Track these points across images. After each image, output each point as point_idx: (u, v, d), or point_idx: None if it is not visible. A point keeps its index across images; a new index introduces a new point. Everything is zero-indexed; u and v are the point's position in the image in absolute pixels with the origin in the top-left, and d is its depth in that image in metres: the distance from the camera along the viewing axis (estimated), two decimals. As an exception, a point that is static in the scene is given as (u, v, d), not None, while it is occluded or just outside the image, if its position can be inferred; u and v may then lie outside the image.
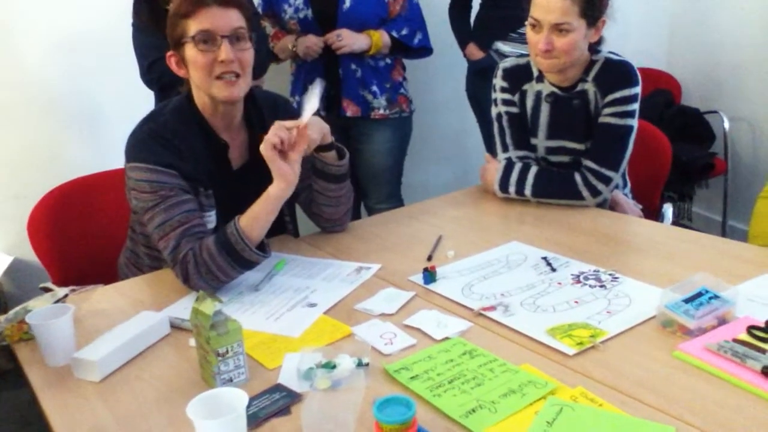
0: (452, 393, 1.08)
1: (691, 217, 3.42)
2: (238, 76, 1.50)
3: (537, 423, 0.99)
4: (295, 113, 1.66)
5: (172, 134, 1.52)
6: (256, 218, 1.44)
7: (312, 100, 1.46)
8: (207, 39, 1.47)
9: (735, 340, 1.14)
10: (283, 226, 1.75)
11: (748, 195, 1.89)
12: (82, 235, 1.92)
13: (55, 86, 2.70)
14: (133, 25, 2.35)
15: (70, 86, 2.72)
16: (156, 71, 2.30)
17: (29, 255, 1.97)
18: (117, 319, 1.34)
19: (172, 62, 1.55)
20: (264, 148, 1.42)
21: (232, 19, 1.49)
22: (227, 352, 1.11)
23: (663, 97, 3.33)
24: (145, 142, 1.52)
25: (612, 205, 1.93)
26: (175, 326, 1.34)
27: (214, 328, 1.09)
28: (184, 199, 1.48)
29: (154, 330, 1.29)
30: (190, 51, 1.49)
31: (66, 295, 1.42)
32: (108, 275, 1.72)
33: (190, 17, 1.47)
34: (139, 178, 1.48)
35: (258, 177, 1.51)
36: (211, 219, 1.56)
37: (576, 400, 1.04)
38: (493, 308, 1.35)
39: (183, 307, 1.40)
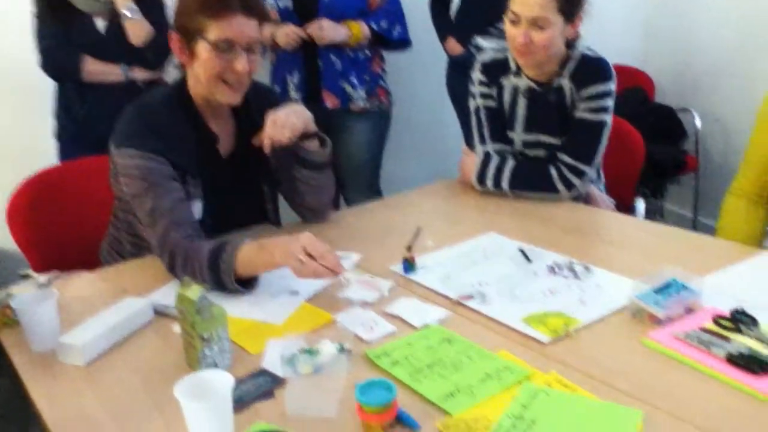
0: (431, 378, 1.12)
1: (663, 214, 3.50)
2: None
3: (513, 406, 1.03)
4: (279, 101, 1.69)
5: (162, 122, 1.53)
6: (252, 266, 1.39)
7: None
8: (227, 48, 1.47)
9: (701, 329, 1.19)
10: (265, 215, 1.77)
11: (718, 192, 1.95)
12: (62, 222, 1.92)
13: (32, 73, 2.67)
14: (32, 12, 2.37)
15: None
16: (49, 60, 2.36)
17: (7, 243, 1.96)
18: (100, 305, 1.35)
19: (174, 44, 1.53)
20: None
21: (253, 29, 1.48)
22: (212, 336, 1.13)
23: (637, 95, 3.39)
24: (135, 128, 1.52)
25: (586, 199, 1.98)
26: (159, 312, 1.36)
27: (199, 313, 1.11)
28: (172, 186, 1.49)
29: (138, 316, 1.31)
30: (204, 50, 1.48)
31: (49, 281, 1.42)
32: (89, 263, 1.72)
33: (212, 18, 1.45)
34: (128, 164, 1.49)
35: (245, 166, 1.53)
36: (196, 209, 1.57)
37: (550, 385, 1.08)
38: (470, 297, 1.38)
39: (167, 294, 1.41)
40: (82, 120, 2.39)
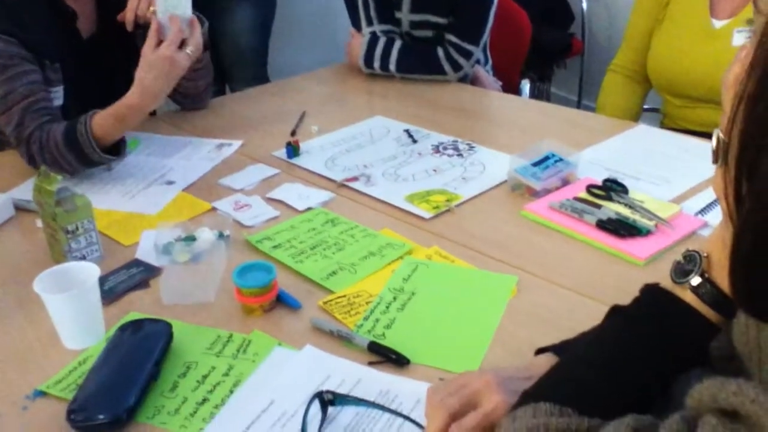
0: (314, 259, 1.10)
1: (549, 98, 3.57)
2: None
3: (394, 279, 1.04)
4: None
5: None
6: (115, 129, 1.32)
7: None
8: None
9: (575, 198, 1.23)
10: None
11: (602, 75, 2.00)
12: None
13: None
14: None
15: None
16: None
17: None
18: (-48, 203, 1.24)
19: None
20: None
21: None
22: (77, 229, 1.06)
23: (527, -23, 3.36)
24: None
25: (473, 80, 1.97)
26: (21, 208, 1.27)
27: (60, 205, 1.03)
28: (26, 69, 1.35)
29: (-5, 212, 1.21)
30: None
31: None
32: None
33: None
34: None
35: (109, 48, 1.40)
36: (58, 95, 1.44)
37: (431, 258, 1.09)
38: (355, 179, 1.37)
39: (29, 189, 1.30)
40: None
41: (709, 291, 0.61)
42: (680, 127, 1.77)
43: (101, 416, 0.77)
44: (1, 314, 0.99)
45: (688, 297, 0.62)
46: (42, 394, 0.84)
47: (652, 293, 0.65)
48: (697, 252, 0.62)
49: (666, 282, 0.66)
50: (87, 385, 0.82)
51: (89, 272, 0.91)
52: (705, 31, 1.72)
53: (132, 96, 1.31)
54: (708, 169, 1.41)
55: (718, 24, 1.71)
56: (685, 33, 1.76)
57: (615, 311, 0.69)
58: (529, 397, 0.62)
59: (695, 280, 0.61)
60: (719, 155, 0.52)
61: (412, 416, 0.78)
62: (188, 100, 1.68)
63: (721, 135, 0.51)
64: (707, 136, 1.56)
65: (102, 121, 1.31)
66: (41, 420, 0.80)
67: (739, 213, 0.49)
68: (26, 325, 0.97)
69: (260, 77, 2.74)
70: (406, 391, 0.82)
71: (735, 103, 0.48)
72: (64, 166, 1.33)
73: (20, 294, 1.03)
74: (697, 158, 1.38)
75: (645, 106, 1.99)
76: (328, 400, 0.78)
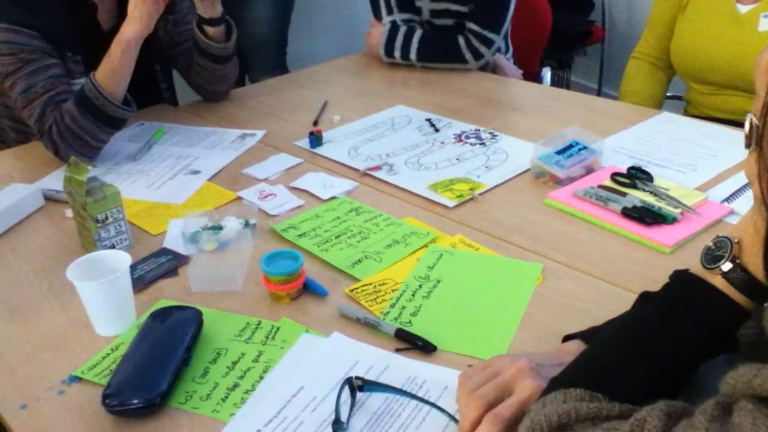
0: (339, 247, 1.11)
1: (570, 86, 3.55)
2: None
3: (418, 268, 1.04)
4: None
5: None
6: (113, 69, 1.35)
7: None
8: None
9: (600, 186, 1.23)
10: (159, 95, 1.67)
11: (623, 62, 1.98)
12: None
13: None
14: None
15: None
16: None
17: None
18: (-17, 194, 1.26)
19: None
20: None
21: None
22: (107, 218, 1.08)
23: (546, -36, 3.33)
24: None
25: (494, 69, 1.97)
26: (50, 198, 1.29)
27: (90, 194, 1.05)
28: (48, 63, 1.37)
29: (26, 202, 1.23)
30: None
31: None
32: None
33: None
34: None
35: None
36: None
37: (455, 246, 1.10)
38: (378, 168, 1.37)
39: (57, 179, 1.33)
40: None
41: (740, 276, 0.61)
42: (704, 115, 1.76)
43: (135, 401, 0.79)
44: (34, 301, 1.01)
45: (718, 282, 0.62)
46: (77, 379, 0.86)
47: (681, 279, 0.65)
48: (728, 237, 0.62)
49: (694, 269, 0.66)
50: (120, 370, 0.83)
51: (121, 260, 0.93)
52: (730, 16, 1.70)
53: (126, 33, 1.35)
54: (733, 156, 1.41)
55: (743, 9, 1.69)
56: (710, 18, 1.74)
57: (644, 297, 0.69)
58: (558, 383, 0.63)
59: (726, 266, 0.61)
60: (752, 140, 0.52)
61: (440, 403, 0.79)
62: (212, 94, 1.70)
63: (754, 119, 0.51)
64: (732, 123, 1.56)
65: (99, 68, 1.35)
66: (77, 404, 0.82)
67: (773, 198, 0.49)
68: (59, 312, 0.99)
69: (279, 66, 2.75)
70: (434, 377, 0.83)
71: (770, 87, 0.48)
72: (86, 139, 1.35)
73: (52, 282, 1.05)
74: (723, 145, 1.37)
75: (667, 94, 1.98)
76: (357, 386, 0.79)
